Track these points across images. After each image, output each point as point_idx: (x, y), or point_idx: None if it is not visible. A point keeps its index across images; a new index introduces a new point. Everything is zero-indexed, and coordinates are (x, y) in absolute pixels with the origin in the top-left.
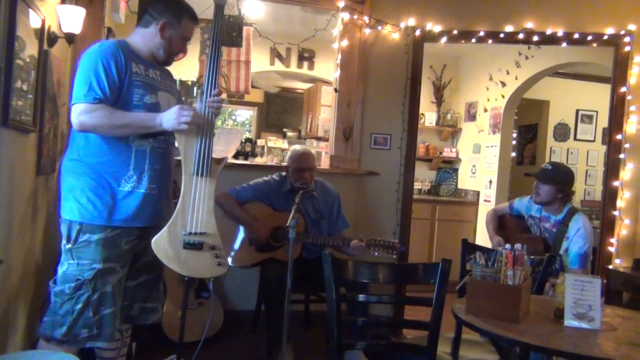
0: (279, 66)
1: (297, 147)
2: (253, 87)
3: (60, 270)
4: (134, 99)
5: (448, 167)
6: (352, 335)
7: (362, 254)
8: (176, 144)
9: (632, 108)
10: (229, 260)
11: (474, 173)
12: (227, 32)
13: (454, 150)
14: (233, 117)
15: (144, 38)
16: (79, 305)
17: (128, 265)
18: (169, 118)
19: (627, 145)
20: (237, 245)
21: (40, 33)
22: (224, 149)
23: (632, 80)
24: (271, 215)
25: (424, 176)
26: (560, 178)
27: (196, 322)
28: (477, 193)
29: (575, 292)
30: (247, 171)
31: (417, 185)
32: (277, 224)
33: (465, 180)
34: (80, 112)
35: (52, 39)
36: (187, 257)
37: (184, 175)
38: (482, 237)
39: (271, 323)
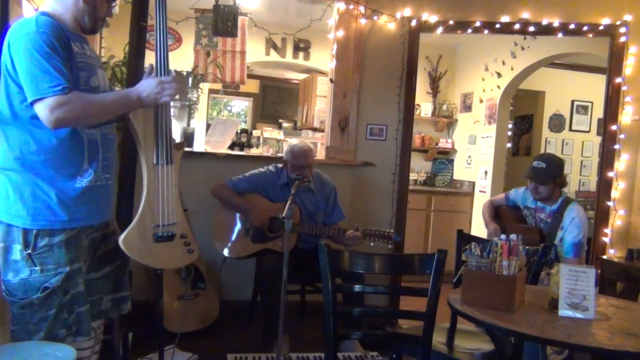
0: (274, 56)
1: (296, 143)
2: (249, 76)
3: (17, 277)
4: (80, 83)
5: (444, 158)
6: (348, 326)
7: (357, 244)
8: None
9: (628, 99)
10: (226, 251)
11: (470, 164)
12: (222, 22)
13: (449, 141)
14: (228, 108)
15: (65, 6)
16: (53, 311)
17: (88, 259)
18: (150, 92)
19: (622, 136)
20: (233, 236)
21: None
22: (219, 139)
23: (627, 70)
24: (267, 206)
25: (419, 167)
26: (556, 173)
27: (192, 312)
28: (473, 184)
29: (570, 282)
30: (243, 162)
31: (412, 176)
32: (273, 215)
33: (460, 171)
34: (53, 107)
35: None
36: (159, 250)
37: (145, 166)
38: (478, 228)
39: (267, 313)
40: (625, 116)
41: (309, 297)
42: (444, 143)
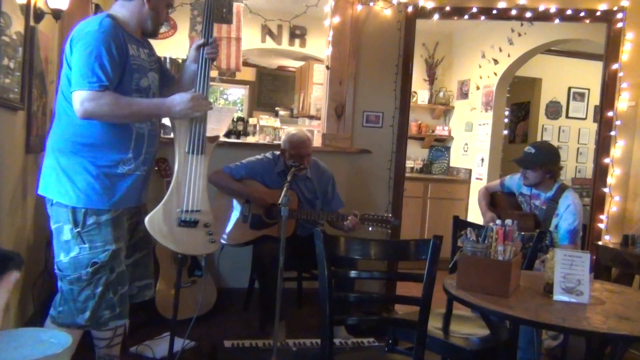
0: (270, 43)
1: (295, 132)
2: (245, 64)
3: (68, 256)
4: (132, 83)
5: (440, 146)
6: (342, 312)
7: (356, 229)
8: (166, 122)
9: (624, 85)
10: (224, 238)
11: (466, 151)
12: (217, 8)
13: (446, 128)
14: (224, 96)
15: (131, 11)
16: (100, 289)
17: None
18: (184, 107)
19: (618, 122)
20: (231, 223)
21: (26, 9)
22: (215, 127)
23: (624, 57)
24: (265, 192)
25: (416, 154)
26: (545, 160)
27: (189, 300)
28: (469, 171)
29: (565, 266)
30: (240, 150)
31: (409, 164)
32: (271, 202)
33: (457, 159)
34: (84, 100)
35: (39, 15)
36: (181, 234)
37: (178, 153)
38: (474, 215)
39: (264, 300)
40: (622, 102)
41: (306, 284)
42: (440, 130)
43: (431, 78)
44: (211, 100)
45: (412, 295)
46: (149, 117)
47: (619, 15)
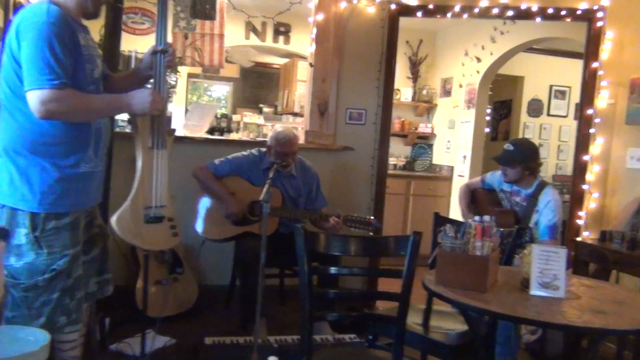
0: (254, 40)
1: (281, 129)
2: (228, 62)
3: (21, 261)
4: (87, 76)
5: (423, 143)
6: (324, 308)
7: (338, 229)
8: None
9: (604, 83)
10: (206, 233)
11: (449, 148)
12: (201, 4)
13: (429, 125)
14: (209, 93)
15: None
16: (56, 294)
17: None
18: (142, 102)
19: (597, 120)
20: (213, 218)
21: None
22: (198, 123)
23: (604, 55)
24: (249, 189)
25: (399, 151)
26: (523, 157)
27: (170, 297)
28: (452, 168)
29: (541, 262)
30: (222, 146)
31: (392, 161)
32: (254, 198)
33: (440, 156)
34: (45, 100)
35: None
36: (148, 231)
37: (140, 149)
38: (456, 212)
39: (245, 297)
40: (601, 100)
41: (288, 280)
42: (423, 128)
43: (415, 76)
44: (195, 97)
45: (394, 291)
46: (109, 114)
47: (599, 14)
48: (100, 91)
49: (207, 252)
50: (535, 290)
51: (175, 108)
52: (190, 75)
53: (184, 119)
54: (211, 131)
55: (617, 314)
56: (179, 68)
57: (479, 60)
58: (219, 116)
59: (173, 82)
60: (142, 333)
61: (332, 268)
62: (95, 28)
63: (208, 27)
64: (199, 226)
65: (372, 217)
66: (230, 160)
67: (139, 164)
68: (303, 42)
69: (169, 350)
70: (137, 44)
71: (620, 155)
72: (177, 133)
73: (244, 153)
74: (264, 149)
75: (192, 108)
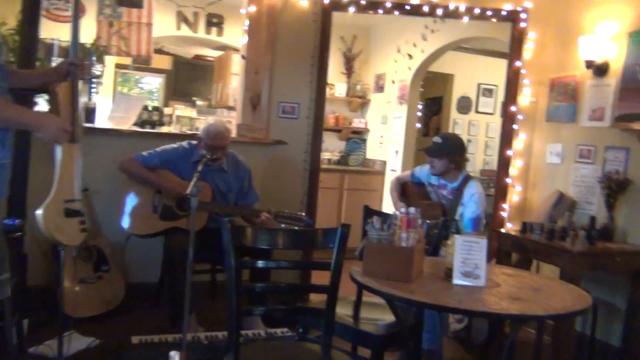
0: (185, 31)
1: (213, 122)
2: (162, 53)
3: None
4: None
5: (357, 138)
6: (256, 302)
7: (269, 226)
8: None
9: (526, 82)
10: (132, 228)
11: (382, 143)
12: None
13: (363, 121)
14: (140, 85)
15: None
16: None
17: None
18: (49, 133)
19: (520, 117)
20: (140, 212)
21: None
22: (124, 115)
23: (526, 55)
24: (178, 183)
25: (333, 146)
26: (450, 150)
27: (95, 296)
28: (384, 163)
29: (463, 252)
30: (150, 139)
31: (326, 155)
32: (183, 193)
33: (373, 151)
34: None
35: None
36: (65, 225)
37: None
38: (389, 205)
39: (175, 294)
40: (524, 98)
41: (220, 276)
42: (357, 123)
43: (349, 71)
44: (125, 89)
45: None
46: (14, 126)
47: (523, 15)
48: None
49: (135, 248)
50: (457, 280)
51: (102, 100)
52: (119, 66)
53: (110, 111)
54: (142, 124)
55: (532, 301)
56: (105, 57)
57: (410, 57)
58: (150, 109)
59: (98, 73)
60: (60, 335)
61: (260, 262)
62: (12, 13)
63: (135, 15)
64: (124, 221)
65: (304, 214)
66: (159, 153)
67: (58, 157)
68: (236, 34)
69: (93, 352)
70: (60, 32)
71: (541, 151)
72: (103, 125)
73: (174, 145)
74: (194, 142)
75: (117, 99)
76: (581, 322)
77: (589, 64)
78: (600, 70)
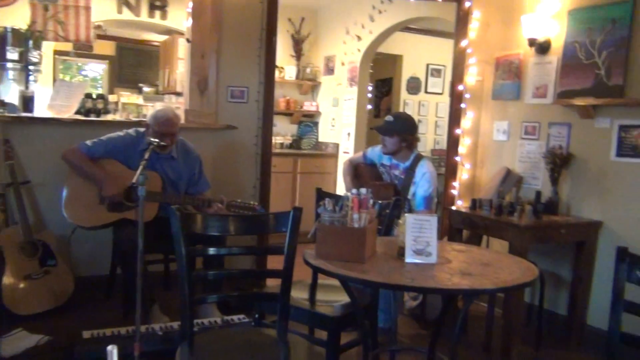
0: (127, 15)
1: (161, 108)
2: (103, 37)
3: None
4: None
5: (309, 121)
6: (211, 290)
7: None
8: None
9: (472, 61)
10: (79, 220)
11: (334, 126)
12: None
13: (314, 104)
14: (83, 72)
15: None
16: None
17: None
18: None
19: (467, 96)
20: (85, 204)
21: None
22: (65, 103)
23: (472, 34)
24: (125, 173)
25: (285, 130)
26: (401, 128)
27: (43, 291)
28: (337, 145)
29: (415, 230)
30: (94, 128)
31: (279, 140)
32: (131, 183)
33: (325, 133)
34: None
35: None
36: None
37: None
38: (343, 188)
39: (128, 286)
40: (470, 77)
41: (173, 265)
42: (308, 106)
43: (298, 54)
44: (68, 77)
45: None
46: None
47: None
48: None
49: (82, 241)
50: (410, 258)
51: (41, 88)
52: (58, 53)
53: (49, 99)
54: (86, 113)
55: (482, 275)
56: (42, 43)
57: (359, 38)
58: (94, 97)
59: (36, 60)
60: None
61: (211, 249)
62: None
63: None
64: (68, 213)
65: (256, 203)
66: (105, 142)
67: None
68: (181, 17)
69: (42, 349)
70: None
71: (488, 129)
72: (42, 114)
73: (120, 134)
74: (142, 129)
75: (57, 87)
76: (530, 293)
77: (532, 42)
78: (542, 48)
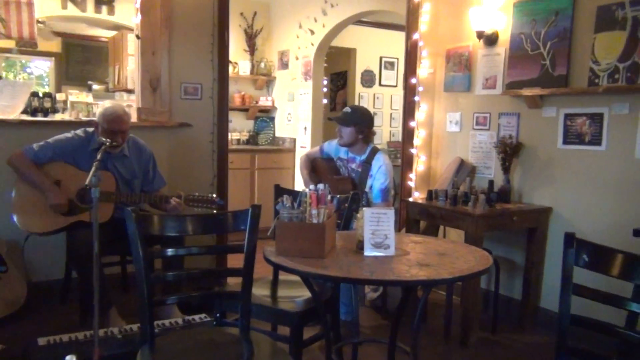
0: (73, 10)
1: (109, 105)
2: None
3: None
4: None
5: (265, 116)
6: (171, 291)
7: (181, 210)
8: None
9: (424, 53)
10: (30, 227)
11: (290, 121)
12: None
13: (269, 99)
14: (27, 69)
15: None
16: None
17: None
18: None
19: (420, 88)
20: (36, 209)
21: None
22: (9, 103)
23: (422, 27)
24: (76, 175)
25: (241, 126)
26: (358, 119)
27: None
28: (294, 140)
29: (372, 224)
30: (42, 128)
31: (235, 136)
32: (83, 185)
33: (282, 128)
34: None
35: None
36: None
37: None
38: (301, 182)
39: (85, 290)
40: (423, 69)
41: (131, 267)
42: (264, 101)
43: (251, 48)
44: (11, 75)
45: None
46: None
47: None
48: None
49: (34, 246)
50: (368, 251)
51: None
52: (1, 50)
53: None
54: (33, 112)
55: (439, 265)
56: None
57: (312, 32)
58: (41, 95)
59: None
60: None
61: (169, 250)
62: None
63: None
64: (20, 220)
65: (215, 195)
66: (52, 144)
67: None
68: (129, 12)
69: None
70: None
71: (441, 120)
72: None
73: (68, 135)
74: (91, 129)
75: (1, 86)
76: (486, 280)
77: (480, 35)
78: (490, 40)
